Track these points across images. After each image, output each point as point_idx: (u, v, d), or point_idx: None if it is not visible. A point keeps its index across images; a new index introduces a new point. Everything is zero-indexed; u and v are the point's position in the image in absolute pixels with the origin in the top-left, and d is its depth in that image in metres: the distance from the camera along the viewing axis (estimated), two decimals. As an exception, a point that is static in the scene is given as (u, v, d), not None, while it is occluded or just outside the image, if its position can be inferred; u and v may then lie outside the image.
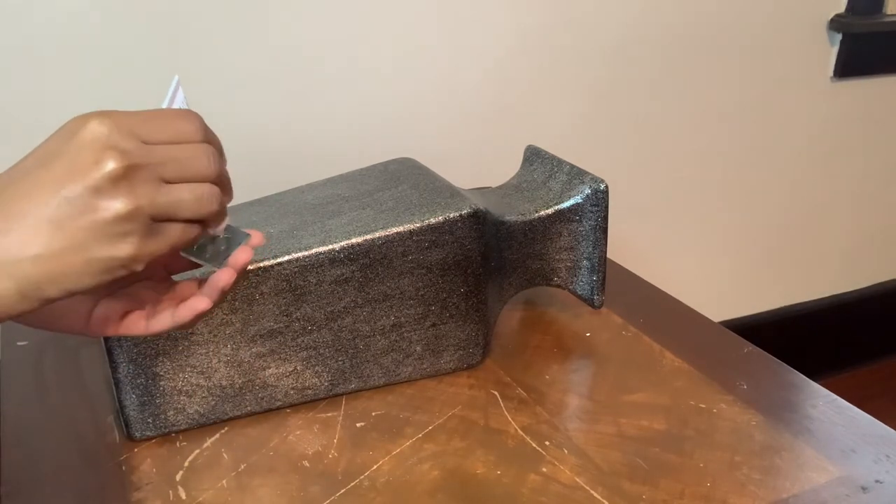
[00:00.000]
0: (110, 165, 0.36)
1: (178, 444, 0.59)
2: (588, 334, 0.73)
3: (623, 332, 0.73)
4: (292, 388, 0.61)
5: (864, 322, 1.73)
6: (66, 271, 0.37)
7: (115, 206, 0.37)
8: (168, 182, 0.39)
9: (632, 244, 1.37)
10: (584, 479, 0.55)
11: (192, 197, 0.39)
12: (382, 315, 0.62)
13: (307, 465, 0.57)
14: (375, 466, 0.56)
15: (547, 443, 0.58)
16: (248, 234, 0.46)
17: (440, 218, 0.61)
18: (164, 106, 0.46)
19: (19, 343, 0.71)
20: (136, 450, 0.58)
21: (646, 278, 0.84)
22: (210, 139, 0.41)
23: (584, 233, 0.69)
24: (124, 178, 0.37)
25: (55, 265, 0.37)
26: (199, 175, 0.40)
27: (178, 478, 0.55)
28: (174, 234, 0.40)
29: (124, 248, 0.38)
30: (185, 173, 0.39)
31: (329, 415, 0.62)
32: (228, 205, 0.48)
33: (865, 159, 1.56)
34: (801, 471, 0.56)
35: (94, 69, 0.92)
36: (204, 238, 0.44)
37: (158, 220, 0.39)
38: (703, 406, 0.62)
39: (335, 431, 0.60)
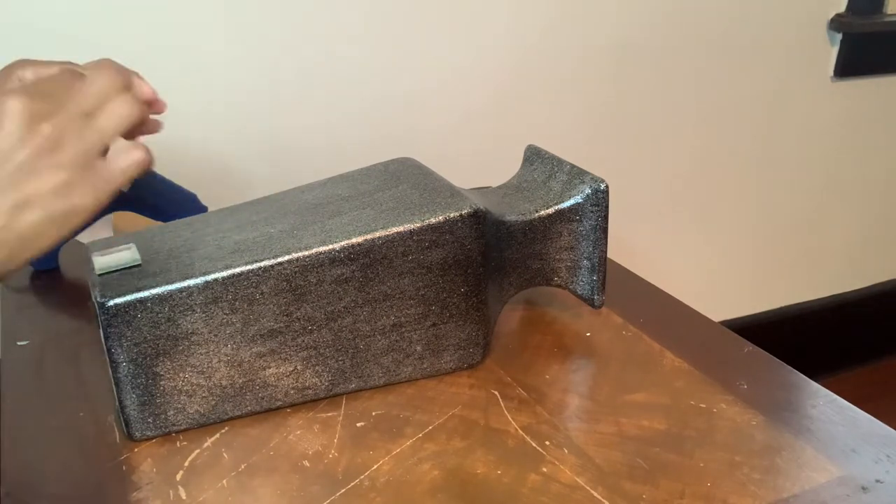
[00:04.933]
0: (45, 129, 0.41)
1: (178, 444, 0.59)
2: (588, 334, 0.73)
3: (623, 332, 0.73)
4: (292, 388, 0.61)
5: (864, 322, 1.73)
6: (34, 232, 0.42)
7: (59, 159, 0.42)
8: (90, 114, 0.43)
9: (632, 244, 1.37)
10: (585, 479, 0.55)
11: (110, 118, 0.44)
12: (382, 315, 0.62)
13: (307, 464, 0.57)
14: (375, 466, 0.56)
15: (547, 443, 0.58)
16: None
17: (440, 218, 0.61)
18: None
19: (19, 343, 0.71)
20: (136, 450, 0.58)
21: (646, 278, 0.84)
22: (102, 65, 0.46)
23: (584, 233, 0.69)
24: (58, 134, 0.42)
25: (24, 230, 0.41)
26: (110, 92, 0.44)
27: (178, 478, 0.55)
28: (118, 169, 0.44)
29: (82, 197, 0.43)
30: (98, 98, 0.44)
31: (329, 415, 0.62)
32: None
33: (865, 159, 1.56)
34: (802, 470, 0.56)
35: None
36: None
37: (99, 154, 0.44)
38: (704, 406, 0.62)
39: (335, 431, 0.60)
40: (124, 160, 0.44)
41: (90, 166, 0.43)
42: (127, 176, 0.45)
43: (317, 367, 0.62)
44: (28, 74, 0.56)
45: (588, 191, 0.68)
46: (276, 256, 0.58)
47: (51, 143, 0.42)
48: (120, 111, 0.44)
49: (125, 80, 0.45)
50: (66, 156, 0.42)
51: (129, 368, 0.57)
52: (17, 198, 0.41)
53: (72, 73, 0.45)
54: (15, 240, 0.41)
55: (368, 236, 0.60)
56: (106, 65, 0.46)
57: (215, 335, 0.58)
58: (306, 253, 0.58)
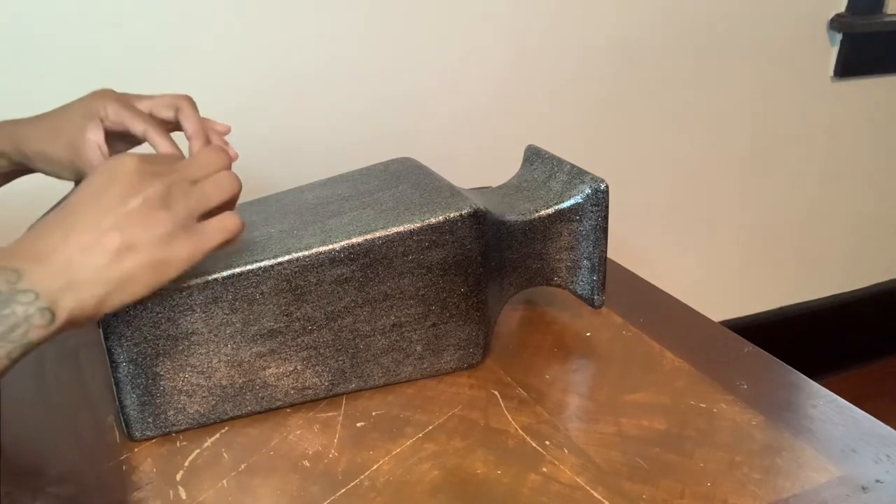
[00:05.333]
0: (156, 185, 0.47)
1: (178, 444, 0.59)
2: (588, 334, 0.73)
3: (623, 332, 0.73)
4: (292, 388, 0.61)
5: (864, 322, 1.73)
6: (133, 276, 0.46)
7: (166, 212, 0.47)
8: (196, 182, 0.49)
9: (632, 244, 1.37)
10: (585, 479, 0.55)
11: (214, 187, 0.50)
12: (382, 315, 0.62)
13: (307, 464, 0.57)
14: (375, 466, 0.56)
15: (547, 442, 0.58)
16: None
17: (440, 218, 0.61)
18: None
19: (19, 343, 0.71)
20: (136, 450, 0.58)
21: (646, 278, 0.84)
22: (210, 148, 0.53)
23: (584, 232, 0.69)
24: (167, 191, 0.47)
25: (125, 272, 0.45)
26: (216, 167, 0.51)
27: (178, 478, 0.55)
28: (213, 230, 0.49)
29: (179, 250, 0.47)
30: (205, 169, 0.50)
31: (329, 414, 0.62)
32: None
33: (865, 159, 1.56)
34: (802, 470, 0.56)
35: (94, 77, 0.93)
36: None
37: (199, 216, 0.49)
38: (704, 406, 0.62)
39: (335, 431, 0.60)
40: (220, 225, 0.50)
41: (190, 225, 0.48)
42: (221, 239, 0.50)
43: (317, 367, 0.62)
44: (111, 108, 0.61)
45: (588, 191, 0.68)
46: (276, 256, 0.58)
47: (160, 196, 0.46)
48: (222, 183, 0.50)
49: (229, 161, 0.51)
50: (172, 211, 0.47)
51: (129, 368, 0.57)
52: (124, 241, 0.45)
53: (175, 156, 0.52)
54: (115, 280, 0.45)
55: (368, 236, 0.60)
56: (213, 147, 0.53)
57: (215, 335, 0.58)
58: (306, 253, 0.58)
